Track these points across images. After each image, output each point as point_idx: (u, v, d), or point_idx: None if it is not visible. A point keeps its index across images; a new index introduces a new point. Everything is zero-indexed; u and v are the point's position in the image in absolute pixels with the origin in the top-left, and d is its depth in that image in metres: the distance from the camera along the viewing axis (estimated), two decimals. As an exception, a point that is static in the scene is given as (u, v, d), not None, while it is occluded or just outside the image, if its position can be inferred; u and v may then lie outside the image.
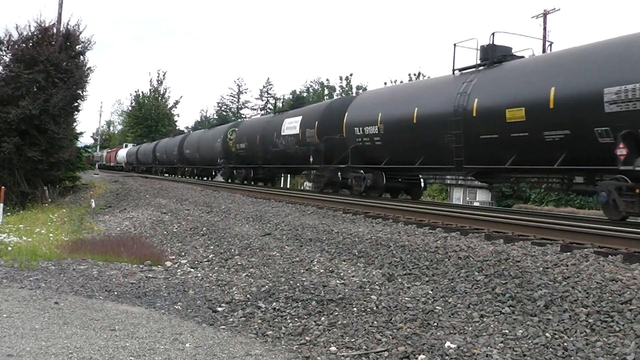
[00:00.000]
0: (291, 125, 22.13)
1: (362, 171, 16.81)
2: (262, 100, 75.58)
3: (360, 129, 16.74)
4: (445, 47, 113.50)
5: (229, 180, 30.39)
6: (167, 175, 45.88)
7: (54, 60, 23.90)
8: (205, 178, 37.67)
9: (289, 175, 39.78)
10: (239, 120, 39.62)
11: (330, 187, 19.46)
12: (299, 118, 21.65)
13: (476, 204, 30.96)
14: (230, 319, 5.76)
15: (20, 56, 23.79)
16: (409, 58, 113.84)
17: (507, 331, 4.65)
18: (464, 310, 5.22)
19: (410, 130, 14.60)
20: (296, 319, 5.57)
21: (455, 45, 14.52)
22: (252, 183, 28.17)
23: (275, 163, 24.59)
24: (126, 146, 71.37)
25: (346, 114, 17.89)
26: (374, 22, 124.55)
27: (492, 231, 8.68)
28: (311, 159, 19.79)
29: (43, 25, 25.07)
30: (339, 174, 18.25)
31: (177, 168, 42.57)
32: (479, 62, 14.00)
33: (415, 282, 6.25)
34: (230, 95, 78.00)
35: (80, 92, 25.64)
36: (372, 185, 16.54)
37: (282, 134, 22.85)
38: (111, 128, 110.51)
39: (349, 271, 7.02)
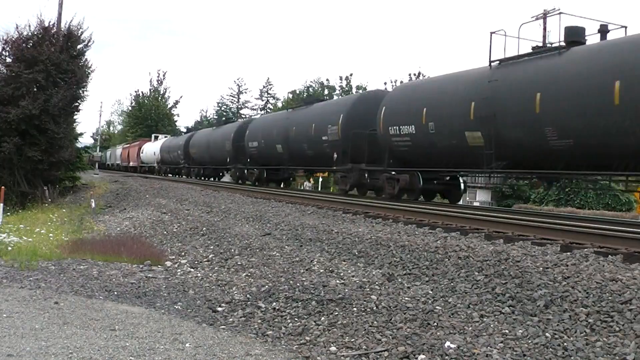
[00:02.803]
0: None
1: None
2: (262, 100, 75.65)
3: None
4: (445, 47, 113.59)
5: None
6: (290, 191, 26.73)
7: (55, 60, 23.88)
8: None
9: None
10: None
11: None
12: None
13: (476, 204, 30.94)
14: (230, 319, 5.76)
15: (21, 56, 23.76)
16: (409, 58, 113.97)
17: (507, 331, 4.65)
18: (464, 310, 5.22)
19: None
20: (296, 319, 5.57)
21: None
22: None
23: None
24: (156, 138, 51.65)
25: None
26: (374, 22, 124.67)
27: (492, 231, 8.68)
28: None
29: (43, 24, 25.05)
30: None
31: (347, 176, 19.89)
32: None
33: (415, 282, 6.25)
34: (230, 95, 78.00)
35: (80, 92, 25.62)
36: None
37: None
38: (111, 128, 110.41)
39: (349, 271, 7.02)
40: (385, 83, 48.68)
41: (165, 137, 50.54)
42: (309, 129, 20.10)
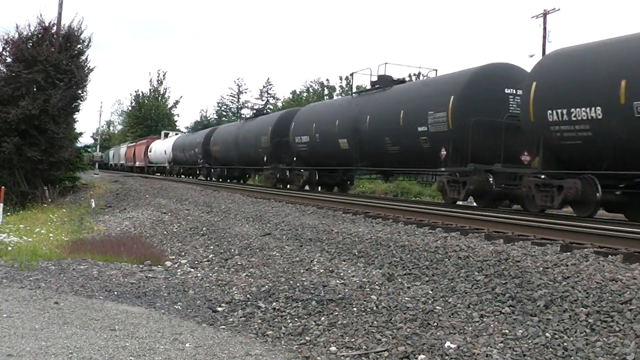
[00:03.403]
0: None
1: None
2: (262, 100, 75.61)
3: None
4: (445, 47, 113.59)
5: None
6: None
7: (53, 61, 23.89)
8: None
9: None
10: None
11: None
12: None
13: (475, 204, 30.69)
14: (230, 319, 5.76)
15: (20, 56, 23.78)
16: (409, 58, 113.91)
17: (507, 331, 4.65)
18: (464, 310, 5.22)
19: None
20: (296, 319, 5.56)
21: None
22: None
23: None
24: (167, 135, 46.34)
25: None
26: (374, 22, 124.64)
27: (492, 231, 8.68)
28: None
29: (44, 24, 25.06)
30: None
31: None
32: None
33: (415, 282, 6.25)
34: (230, 95, 77.98)
35: (80, 92, 25.63)
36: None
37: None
38: (111, 128, 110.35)
39: (349, 271, 7.02)
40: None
41: (177, 134, 46.08)
42: (394, 118, 15.61)
